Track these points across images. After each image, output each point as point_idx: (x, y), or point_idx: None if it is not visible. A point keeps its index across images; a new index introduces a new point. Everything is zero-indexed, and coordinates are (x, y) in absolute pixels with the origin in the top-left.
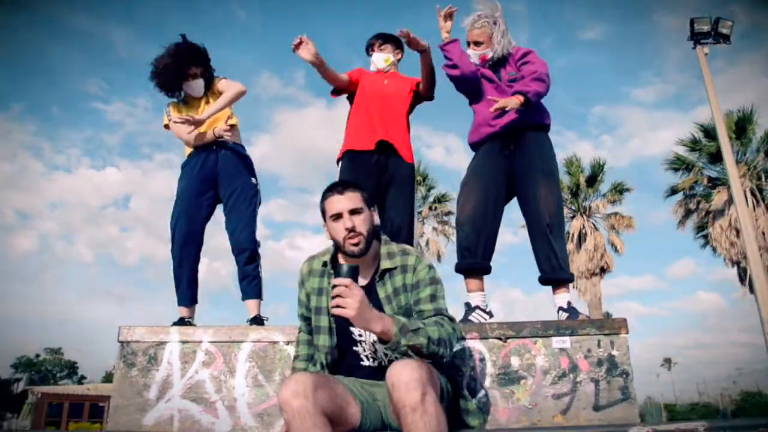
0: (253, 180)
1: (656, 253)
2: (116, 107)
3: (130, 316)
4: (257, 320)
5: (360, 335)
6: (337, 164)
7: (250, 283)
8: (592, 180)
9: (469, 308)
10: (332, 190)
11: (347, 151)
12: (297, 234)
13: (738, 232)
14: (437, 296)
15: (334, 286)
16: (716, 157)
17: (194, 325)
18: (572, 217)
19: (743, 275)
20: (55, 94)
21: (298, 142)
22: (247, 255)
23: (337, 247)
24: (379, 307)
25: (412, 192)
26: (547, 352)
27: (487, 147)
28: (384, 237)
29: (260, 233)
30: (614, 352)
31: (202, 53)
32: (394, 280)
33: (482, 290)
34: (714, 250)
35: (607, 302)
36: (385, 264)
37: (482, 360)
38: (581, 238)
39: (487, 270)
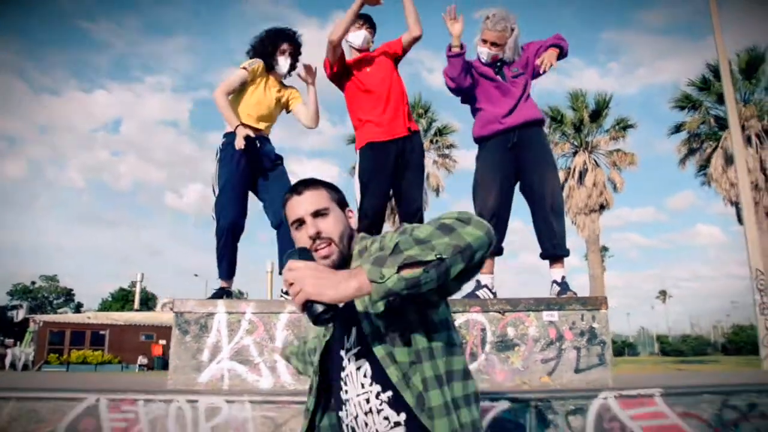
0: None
1: (658, 184)
2: (102, 26)
3: (121, 243)
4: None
5: (346, 390)
6: (356, 152)
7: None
8: (596, 115)
9: (479, 285)
10: (290, 192)
11: (368, 143)
12: (292, 159)
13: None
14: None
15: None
16: (723, 98)
17: (232, 294)
18: (574, 153)
19: (741, 215)
20: (32, 11)
21: None
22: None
23: None
24: (358, 327)
25: (423, 168)
26: (538, 324)
27: (495, 142)
28: (359, 235)
29: None
30: (595, 325)
31: (297, 37)
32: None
33: (492, 272)
34: (713, 189)
35: (606, 234)
36: (355, 265)
37: (483, 330)
38: (582, 174)
39: (501, 252)
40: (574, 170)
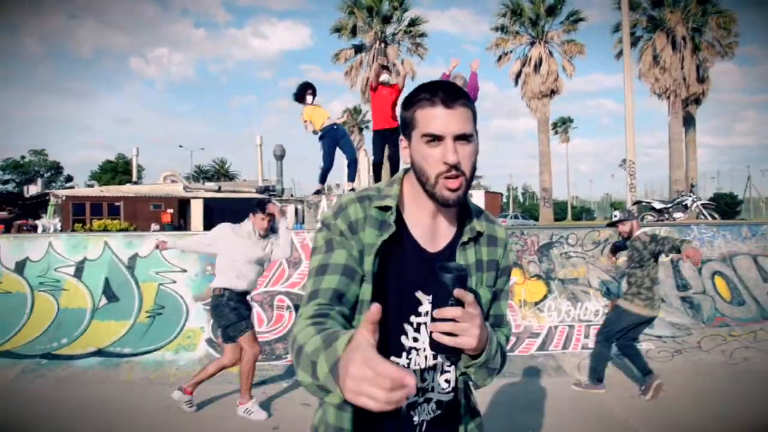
0: (352, 138)
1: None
2: None
3: (90, 115)
4: (353, 190)
5: (415, 337)
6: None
7: (351, 174)
8: (552, 10)
9: None
10: (434, 94)
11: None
12: (262, 20)
13: (664, 69)
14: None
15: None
16: (657, 2)
17: (323, 192)
18: (531, 44)
19: (670, 106)
20: None
21: None
22: (353, 165)
23: (417, 182)
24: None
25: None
26: None
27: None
28: None
29: (221, 18)
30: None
31: (313, 86)
32: (480, 250)
33: None
34: (643, 79)
35: (578, 99)
36: (476, 225)
37: None
38: (537, 63)
39: None
40: (530, 60)
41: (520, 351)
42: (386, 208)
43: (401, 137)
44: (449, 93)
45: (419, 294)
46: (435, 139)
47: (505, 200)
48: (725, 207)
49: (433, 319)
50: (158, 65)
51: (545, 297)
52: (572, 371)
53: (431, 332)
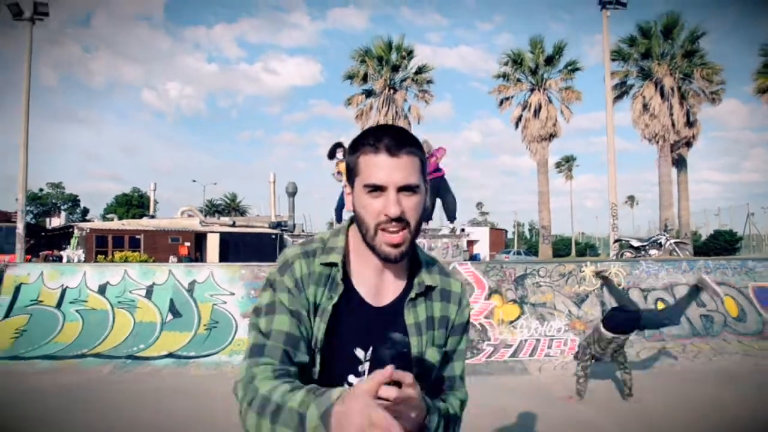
0: None
1: None
2: None
3: (102, 143)
4: None
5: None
6: None
7: None
8: (551, 60)
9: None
10: (378, 141)
11: None
12: (272, 56)
13: (653, 116)
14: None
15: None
16: (646, 54)
17: None
18: (531, 90)
19: (660, 151)
20: None
21: None
22: None
23: (361, 234)
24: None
25: None
26: (441, 242)
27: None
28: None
29: (233, 53)
30: (459, 243)
31: (342, 144)
32: (432, 306)
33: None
34: (634, 125)
35: (584, 136)
36: (426, 278)
37: (423, 244)
38: (537, 109)
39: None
40: (530, 106)
41: (496, 358)
42: (332, 264)
43: (345, 183)
44: (395, 139)
45: (358, 351)
46: (376, 189)
47: (510, 236)
48: (724, 244)
49: None
50: (168, 98)
51: (518, 317)
52: (534, 372)
53: None
